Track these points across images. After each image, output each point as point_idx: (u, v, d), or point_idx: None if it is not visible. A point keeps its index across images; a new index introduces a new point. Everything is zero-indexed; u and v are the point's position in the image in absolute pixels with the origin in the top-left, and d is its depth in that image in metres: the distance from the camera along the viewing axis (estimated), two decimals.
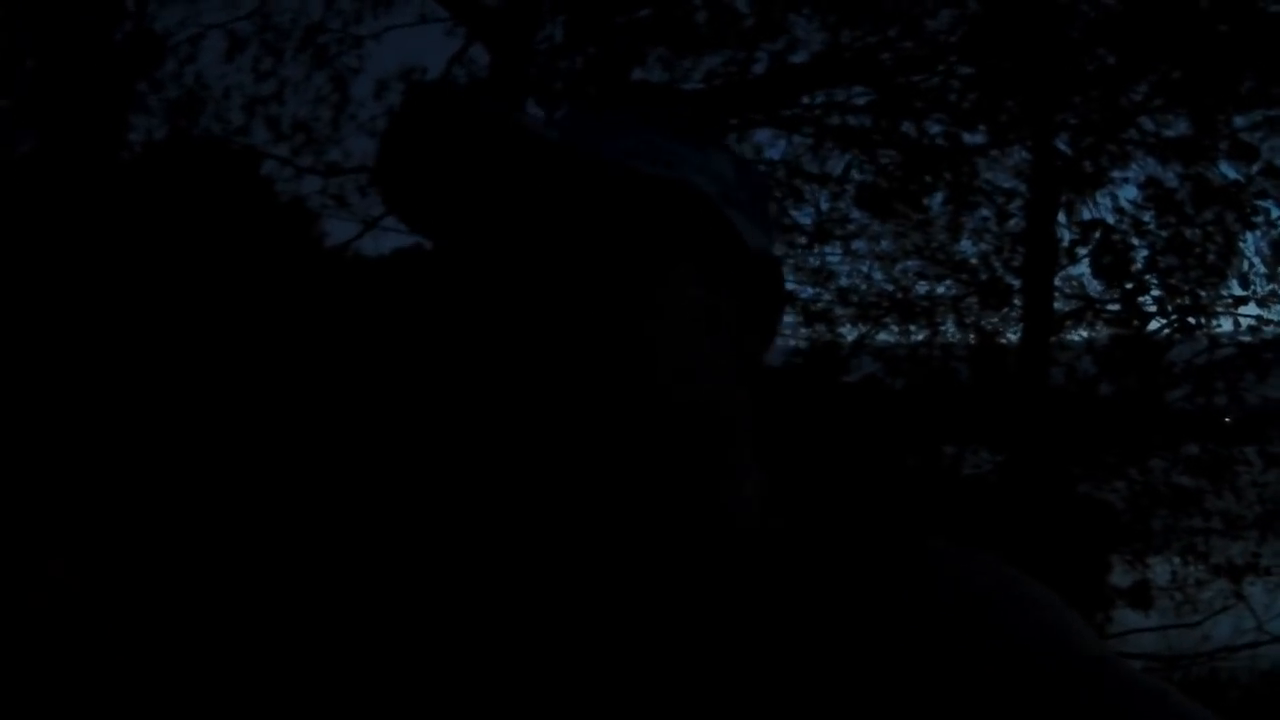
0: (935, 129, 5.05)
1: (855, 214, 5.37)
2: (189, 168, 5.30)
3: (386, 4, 5.30)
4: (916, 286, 5.47)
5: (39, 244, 6.38)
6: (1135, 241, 5.80)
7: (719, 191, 0.57)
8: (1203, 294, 5.93)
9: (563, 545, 0.54)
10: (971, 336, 5.50)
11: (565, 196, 0.53)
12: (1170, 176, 5.95)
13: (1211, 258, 5.98)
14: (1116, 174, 6.16)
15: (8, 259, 6.60)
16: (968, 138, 5.37)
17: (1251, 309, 5.87)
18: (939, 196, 5.32)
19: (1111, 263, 5.29)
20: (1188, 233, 5.97)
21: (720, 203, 0.57)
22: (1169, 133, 5.91)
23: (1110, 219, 5.93)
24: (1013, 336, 5.39)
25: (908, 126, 5.12)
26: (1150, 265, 5.65)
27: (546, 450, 0.51)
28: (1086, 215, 6.04)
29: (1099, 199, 6.01)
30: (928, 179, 5.32)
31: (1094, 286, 5.80)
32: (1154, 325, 5.73)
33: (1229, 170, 5.84)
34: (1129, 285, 5.57)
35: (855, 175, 5.41)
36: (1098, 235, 5.09)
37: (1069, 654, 0.50)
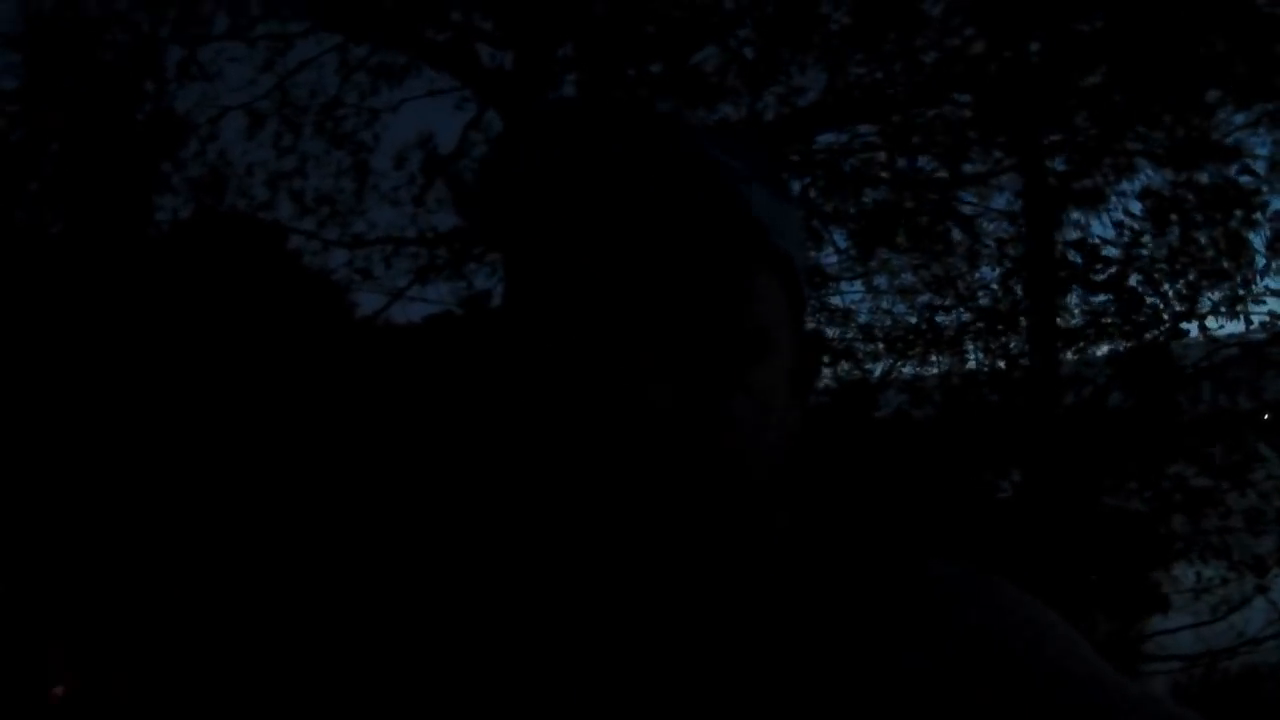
0: (929, 164, 5.24)
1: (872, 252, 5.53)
2: (217, 243, 5.48)
3: (399, 77, 5.48)
4: (936, 317, 5.62)
5: (70, 322, 6.57)
6: (1137, 252, 5.94)
7: (802, 265, 0.56)
8: (1211, 296, 6.06)
9: (594, 563, 0.52)
10: (1000, 363, 5.64)
11: (715, 255, 0.50)
12: (1161, 180, 6.10)
13: (1217, 257, 6.12)
14: (1118, 185, 6.30)
15: (41, 338, 6.79)
16: (966, 167, 5.53)
17: (1268, 305, 6.02)
18: (945, 228, 5.47)
19: (1105, 280, 5.45)
20: (1199, 236, 6.10)
21: (803, 279, 0.56)
22: (1159, 135, 6.07)
23: (1109, 233, 6.07)
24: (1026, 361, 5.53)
25: (904, 161, 5.29)
26: (1147, 278, 5.79)
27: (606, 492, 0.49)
28: (1084, 233, 6.20)
29: (1097, 214, 6.17)
30: (923, 218, 5.50)
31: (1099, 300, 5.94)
32: (1151, 334, 5.88)
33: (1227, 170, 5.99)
34: (1124, 297, 5.72)
35: (848, 208, 5.58)
36: (1078, 258, 5.25)
37: (1065, 673, 0.50)
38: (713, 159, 0.49)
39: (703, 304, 0.49)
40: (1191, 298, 6.01)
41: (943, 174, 5.40)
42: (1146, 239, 5.97)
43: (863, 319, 5.57)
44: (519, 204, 0.51)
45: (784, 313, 0.53)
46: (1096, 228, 6.58)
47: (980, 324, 5.54)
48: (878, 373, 5.50)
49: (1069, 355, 6.03)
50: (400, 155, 5.52)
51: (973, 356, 5.70)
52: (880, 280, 5.62)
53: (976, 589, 0.54)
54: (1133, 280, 5.86)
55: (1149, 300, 5.88)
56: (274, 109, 5.66)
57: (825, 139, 5.50)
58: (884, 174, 5.47)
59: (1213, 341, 6.24)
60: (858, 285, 5.52)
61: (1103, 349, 5.94)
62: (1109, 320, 5.79)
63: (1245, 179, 6.05)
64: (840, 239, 5.39)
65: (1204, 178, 6.10)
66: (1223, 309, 6.24)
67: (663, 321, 0.49)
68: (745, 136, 0.56)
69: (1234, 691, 5.84)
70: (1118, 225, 5.99)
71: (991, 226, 5.85)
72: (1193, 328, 6.03)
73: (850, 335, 5.53)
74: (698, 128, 0.52)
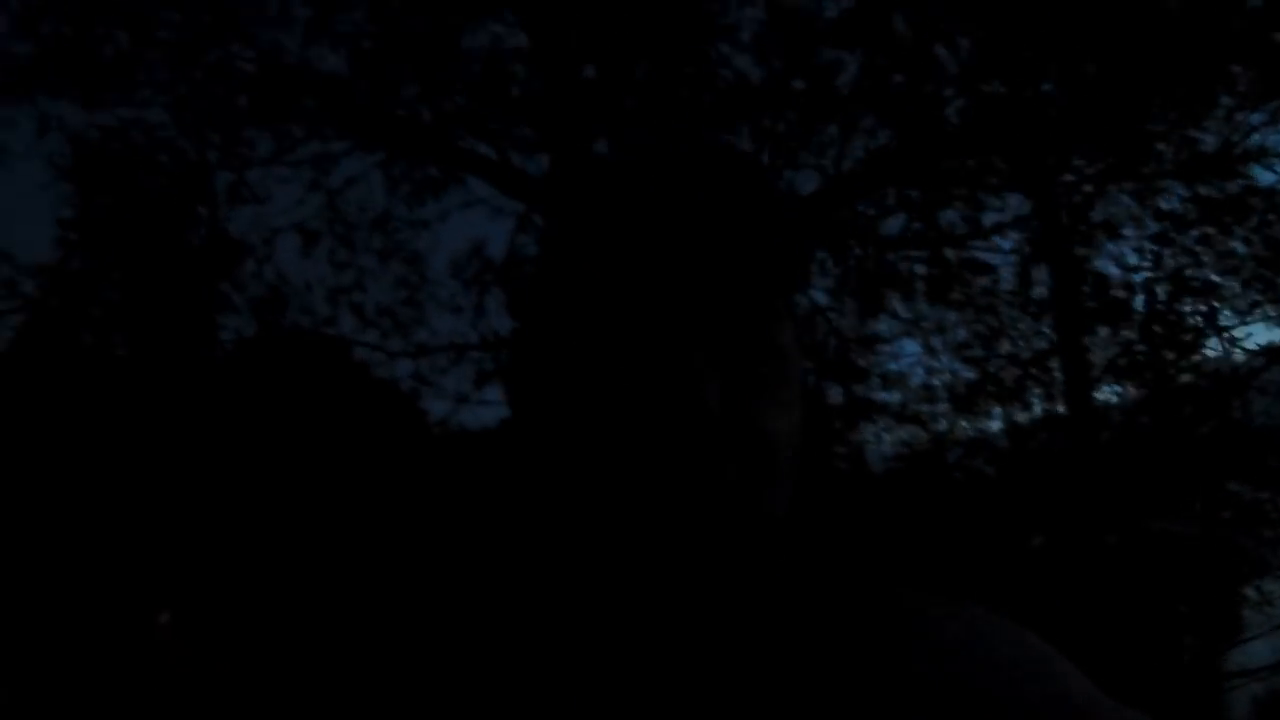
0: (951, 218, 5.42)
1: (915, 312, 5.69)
2: (283, 360, 5.70)
3: (441, 189, 5.72)
4: (991, 369, 5.76)
5: (135, 441, 6.81)
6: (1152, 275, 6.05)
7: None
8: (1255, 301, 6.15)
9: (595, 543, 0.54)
10: (1056, 407, 5.76)
11: (764, 297, 0.55)
12: (1176, 201, 6.23)
13: (1256, 265, 6.21)
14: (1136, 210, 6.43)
15: (107, 458, 7.05)
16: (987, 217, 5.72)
17: None
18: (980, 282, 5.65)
19: (1129, 310, 5.60)
20: (1234, 246, 6.21)
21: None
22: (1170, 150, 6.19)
23: (1131, 258, 6.19)
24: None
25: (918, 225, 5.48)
26: (1173, 296, 5.91)
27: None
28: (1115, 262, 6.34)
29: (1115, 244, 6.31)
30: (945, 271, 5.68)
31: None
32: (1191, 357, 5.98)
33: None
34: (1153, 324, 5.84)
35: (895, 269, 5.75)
36: (1089, 288, 5.41)
37: (1044, 699, 0.51)
38: (772, 198, 0.56)
39: (742, 323, 0.54)
40: (1214, 311, 6.13)
41: (962, 229, 5.59)
42: (1166, 259, 6.10)
43: (918, 379, 5.73)
44: (605, 223, 0.55)
45: (795, 339, 0.57)
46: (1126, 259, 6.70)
47: (1028, 371, 5.68)
48: (940, 431, 5.63)
49: (1108, 390, 6.16)
50: (454, 263, 5.76)
51: (1031, 406, 5.81)
52: (924, 339, 5.79)
53: (953, 617, 0.55)
54: (1159, 303, 5.98)
55: (1177, 321, 6.01)
56: (326, 226, 5.92)
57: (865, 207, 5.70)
58: (912, 231, 5.65)
59: (1253, 351, 6.31)
60: (908, 346, 5.68)
61: (1139, 380, 6.07)
62: (1140, 350, 5.92)
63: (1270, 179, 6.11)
64: (889, 300, 5.56)
65: (1231, 186, 6.23)
66: (1258, 314, 6.34)
67: (711, 334, 0.53)
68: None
69: None
70: (1138, 250, 6.14)
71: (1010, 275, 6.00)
72: (1218, 340, 6.14)
73: (908, 398, 5.69)
74: (762, 169, 0.58)
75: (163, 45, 6.68)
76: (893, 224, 5.88)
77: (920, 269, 5.59)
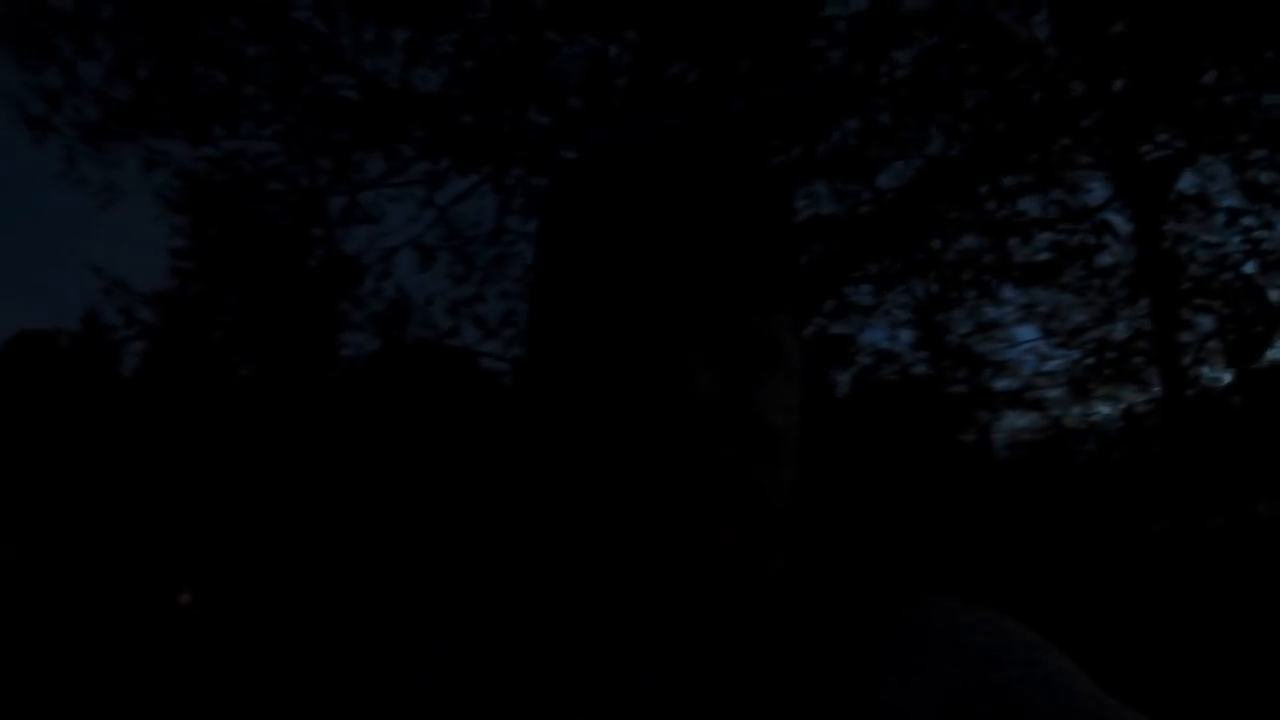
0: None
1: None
2: (409, 372, 5.98)
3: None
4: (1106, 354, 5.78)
5: (259, 457, 7.10)
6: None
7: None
8: None
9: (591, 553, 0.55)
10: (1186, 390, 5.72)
11: (763, 291, 0.56)
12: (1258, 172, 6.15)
13: None
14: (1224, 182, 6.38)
15: (237, 473, 7.35)
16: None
17: None
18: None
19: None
20: None
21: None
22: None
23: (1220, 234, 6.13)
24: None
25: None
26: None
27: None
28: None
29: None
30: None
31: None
32: None
33: None
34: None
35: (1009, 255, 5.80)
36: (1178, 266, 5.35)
37: (1060, 706, 0.50)
38: (752, 194, 0.56)
39: (738, 317, 0.54)
40: None
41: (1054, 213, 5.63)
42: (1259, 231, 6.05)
43: (1030, 366, 5.76)
44: (604, 219, 0.55)
45: (794, 335, 0.58)
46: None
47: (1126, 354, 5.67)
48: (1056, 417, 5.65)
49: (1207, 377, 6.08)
50: None
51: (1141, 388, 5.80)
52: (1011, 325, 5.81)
53: (971, 622, 0.55)
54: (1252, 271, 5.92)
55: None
56: (440, 241, 6.12)
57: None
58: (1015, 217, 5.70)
59: None
60: (1022, 334, 5.72)
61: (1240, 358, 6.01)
62: (1234, 330, 5.87)
63: None
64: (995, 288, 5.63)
65: None
66: None
67: (707, 327, 0.53)
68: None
69: None
70: (1229, 224, 6.08)
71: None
72: None
73: (1020, 385, 5.72)
74: (745, 163, 0.58)
75: (262, 80, 6.92)
76: (995, 212, 5.93)
77: (1024, 255, 5.64)
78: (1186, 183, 6.26)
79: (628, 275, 0.54)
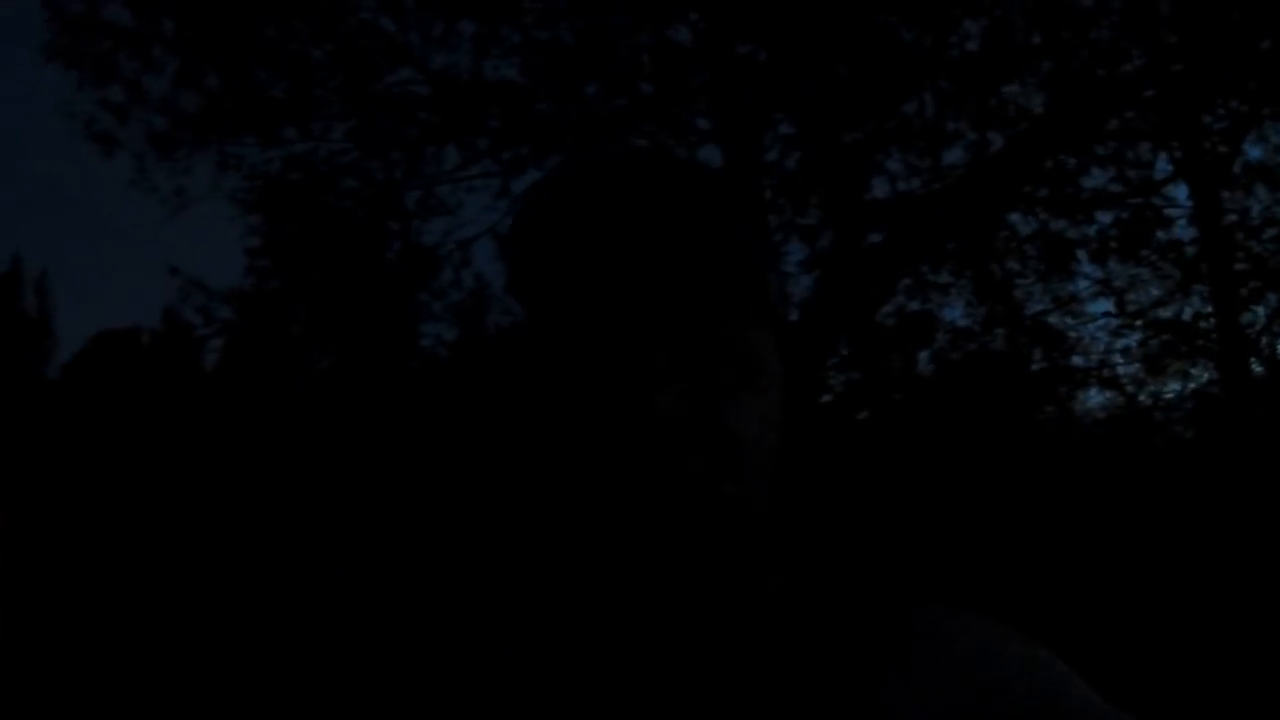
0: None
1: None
2: (484, 361, 6.07)
3: None
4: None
5: (341, 448, 7.26)
6: None
7: (780, 305, 0.60)
8: None
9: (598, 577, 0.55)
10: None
11: (728, 301, 0.56)
12: None
13: None
14: None
15: (314, 464, 7.51)
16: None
17: None
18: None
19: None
20: None
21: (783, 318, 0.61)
22: None
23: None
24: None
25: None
26: None
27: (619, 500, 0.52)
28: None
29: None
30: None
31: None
32: None
33: None
34: None
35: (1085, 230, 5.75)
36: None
37: (1058, 713, 0.50)
38: (722, 207, 0.56)
39: (708, 328, 0.54)
40: None
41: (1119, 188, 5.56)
42: None
43: (1103, 343, 5.71)
44: (562, 241, 0.56)
45: (771, 345, 0.58)
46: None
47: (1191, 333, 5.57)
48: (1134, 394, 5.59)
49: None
50: None
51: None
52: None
53: (966, 629, 0.55)
54: None
55: None
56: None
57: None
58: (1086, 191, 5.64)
59: None
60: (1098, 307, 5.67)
61: None
62: None
63: None
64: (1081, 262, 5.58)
65: None
66: None
67: (671, 340, 0.54)
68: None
69: None
70: None
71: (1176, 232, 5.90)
72: None
73: (1098, 362, 5.67)
74: (711, 176, 0.59)
75: (331, 79, 7.04)
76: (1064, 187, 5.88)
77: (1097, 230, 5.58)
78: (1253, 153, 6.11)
79: (595, 288, 0.54)
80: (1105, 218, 5.93)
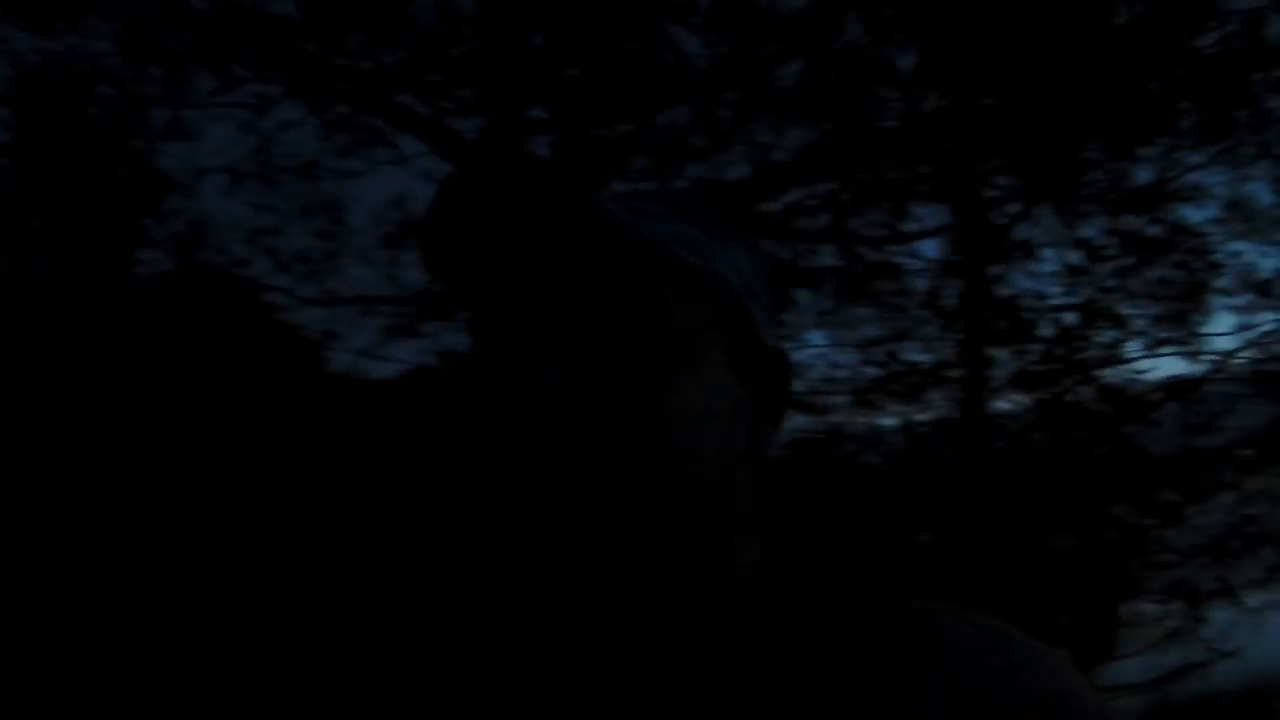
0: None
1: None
2: (196, 297, 5.67)
3: (374, 142, 5.70)
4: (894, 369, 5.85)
5: (52, 367, 6.71)
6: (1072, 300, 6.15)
7: (741, 284, 0.59)
8: (1161, 336, 6.30)
9: (571, 593, 0.55)
10: (953, 413, 5.88)
11: (617, 271, 0.54)
12: (1097, 231, 6.34)
13: (1169, 298, 6.35)
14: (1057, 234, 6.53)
15: (22, 376, 6.92)
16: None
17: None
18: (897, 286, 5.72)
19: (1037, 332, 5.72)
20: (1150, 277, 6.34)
21: (743, 295, 0.59)
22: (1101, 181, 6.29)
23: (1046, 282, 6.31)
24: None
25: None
26: (1084, 323, 6.04)
27: (565, 511, 0.51)
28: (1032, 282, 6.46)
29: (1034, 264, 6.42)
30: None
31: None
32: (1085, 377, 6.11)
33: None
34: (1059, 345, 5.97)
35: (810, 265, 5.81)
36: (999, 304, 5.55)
37: (1066, 711, 0.51)
38: (595, 203, 0.55)
39: (611, 311, 0.54)
40: (1123, 342, 6.26)
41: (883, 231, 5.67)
42: (1080, 287, 6.23)
43: (818, 372, 5.80)
44: (457, 251, 0.56)
45: (707, 323, 0.56)
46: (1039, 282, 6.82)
47: (919, 378, 5.78)
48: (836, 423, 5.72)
49: (1007, 404, 6.26)
50: (374, 216, 5.73)
51: (932, 407, 5.93)
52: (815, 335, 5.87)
53: (972, 628, 0.55)
54: (1066, 327, 6.12)
55: (1082, 346, 6.14)
56: (254, 168, 5.86)
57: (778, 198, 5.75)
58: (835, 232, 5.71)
59: (1157, 383, 6.47)
60: (816, 339, 5.77)
61: (1038, 397, 6.19)
62: (1041, 368, 6.04)
63: (1197, 219, 6.28)
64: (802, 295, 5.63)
65: (1152, 221, 6.37)
66: (1170, 348, 6.51)
67: (577, 329, 0.53)
68: (687, 193, 0.65)
69: (1186, 717, 6.05)
70: (1053, 275, 6.27)
71: (925, 282, 6.12)
72: (1127, 369, 6.29)
73: (809, 388, 5.76)
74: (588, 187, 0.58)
75: None
76: (809, 221, 5.93)
77: (832, 266, 5.65)
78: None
79: (498, 274, 0.54)
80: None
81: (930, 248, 6.17)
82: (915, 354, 6.00)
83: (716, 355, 0.57)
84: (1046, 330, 6.14)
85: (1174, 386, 6.03)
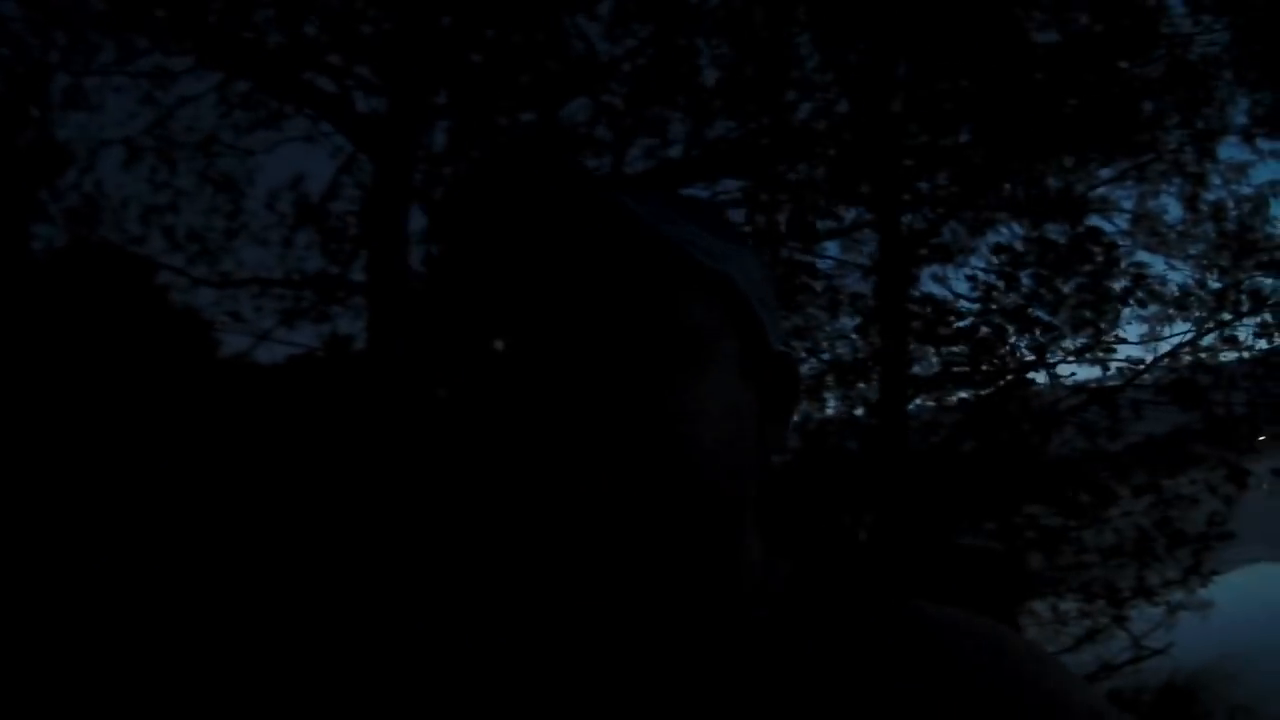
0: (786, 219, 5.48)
1: None
2: (88, 274, 5.50)
3: (275, 120, 5.57)
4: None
5: None
6: (989, 305, 6.21)
7: (750, 288, 0.60)
8: (1069, 343, 6.37)
9: (581, 595, 0.55)
10: (856, 410, 5.91)
11: (636, 270, 0.54)
12: (1013, 236, 6.39)
13: (1077, 306, 6.42)
14: (973, 241, 6.58)
15: None
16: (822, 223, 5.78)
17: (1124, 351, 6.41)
18: (803, 283, 5.71)
19: (955, 333, 5.75)
20: (1060, 286, 6.40)
21: (753, 299, 0.60)
22: (1018, 191, 6.34)
23: (964, 288, 6.37)
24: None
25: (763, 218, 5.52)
26: (998, 329, 6.09)
27: (574, 512, 0.51)
28: (943, 286, 6.51)
29: (954, 268, 6.48)
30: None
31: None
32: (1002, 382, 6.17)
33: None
34: (975, 349, 6.01)
35: None
36: (930, 311, 5.58)
37: (1066, 711, 0.52)
38: (620, 202, 0.55)
39: (628, 308, 0.53)
40: (1040, 347, 6.34)
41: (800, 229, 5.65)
42: (998, 293, 6.29)
43: None
44: (473, 246, 0.56)
45: (720, 326, 0.56)
46: (959, 284, 6.89)
47: (833, 375, 5.79)
48: None
49: (923, 402, 6.31)
50: (271, 197, 5.60)
51: (831, 404, 5.95)
52: None
53: (971, 630, 0.56)
54: (984, 332, 6.17)
55: (1000, 350, 6.20)
56: (153, 143, 5.70)
57: (691, 192, 5.70)
58: (746, 228, 5.68)
59: (1071, 388, 6.56)
60: None
61: (956, 397, 6.25)
62: (959, 369, 6.09)
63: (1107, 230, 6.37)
64: None
65: (1063, 231, 6.45)
66: (1083, 355, 6.60)
67: (592, 325, 0.53)
68: (693, 198, 0.64)
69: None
70: (971, 279, 6.31)
71: (849, 281, 6.14)
72: (1044, 374, 6.37)
73: None
74: (612, 180, 0.60)
75: None
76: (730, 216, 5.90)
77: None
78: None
79: (512, 276, 0.54)
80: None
81: (834, 248, 6.20)
82: (832, 352, 6.02)
83: (728, 358, 0.57)
84: (965, 331, 6.20)
85: (1088, 391, 6.12)
